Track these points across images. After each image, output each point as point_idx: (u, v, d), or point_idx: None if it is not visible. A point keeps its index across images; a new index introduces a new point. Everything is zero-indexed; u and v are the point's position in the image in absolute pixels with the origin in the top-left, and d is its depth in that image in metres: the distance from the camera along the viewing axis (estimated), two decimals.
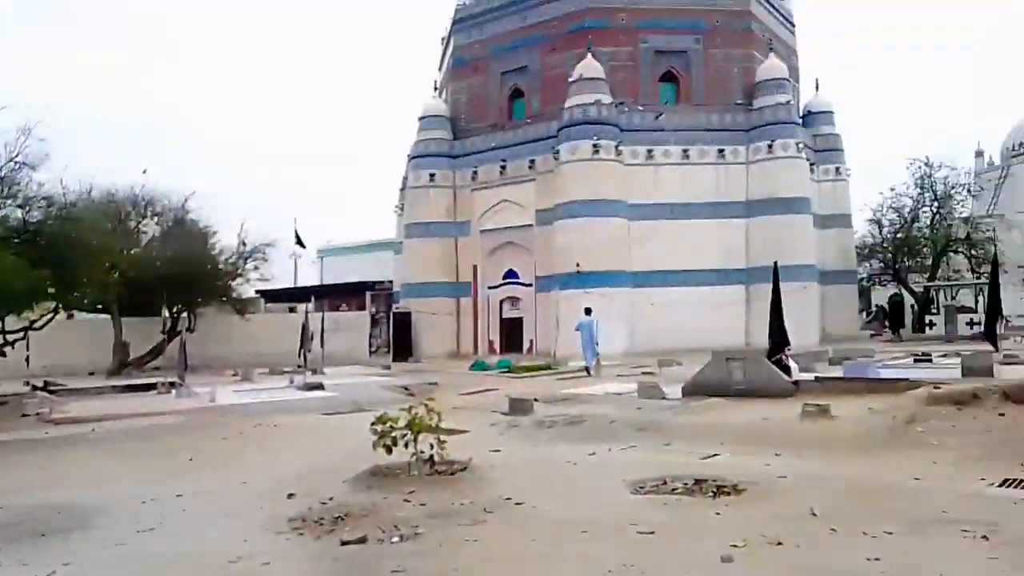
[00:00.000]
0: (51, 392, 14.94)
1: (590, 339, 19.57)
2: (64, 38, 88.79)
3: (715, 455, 7.65)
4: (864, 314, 38.42)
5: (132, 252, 23.40)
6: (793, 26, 34.82)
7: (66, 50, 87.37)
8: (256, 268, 25.44)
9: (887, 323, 33.98)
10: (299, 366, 19.17)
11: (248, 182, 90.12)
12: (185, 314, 23.60)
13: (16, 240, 15.27)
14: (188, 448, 9.29)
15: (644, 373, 17.67)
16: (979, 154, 46.34)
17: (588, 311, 20.54)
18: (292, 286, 42.58)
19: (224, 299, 24.43)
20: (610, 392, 13.82)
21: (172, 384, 15.69)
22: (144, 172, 24.75)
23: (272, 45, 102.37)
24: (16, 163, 15.69)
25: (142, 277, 22.09)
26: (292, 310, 32.21)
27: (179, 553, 5.01)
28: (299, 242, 41.15)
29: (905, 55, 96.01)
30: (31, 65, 78.33)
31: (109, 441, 10.03)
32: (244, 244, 25.07)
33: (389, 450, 6.56)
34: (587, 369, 19.13)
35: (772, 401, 10.60)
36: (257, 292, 32.24)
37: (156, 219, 24.91)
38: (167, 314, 22.90)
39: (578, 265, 26.19)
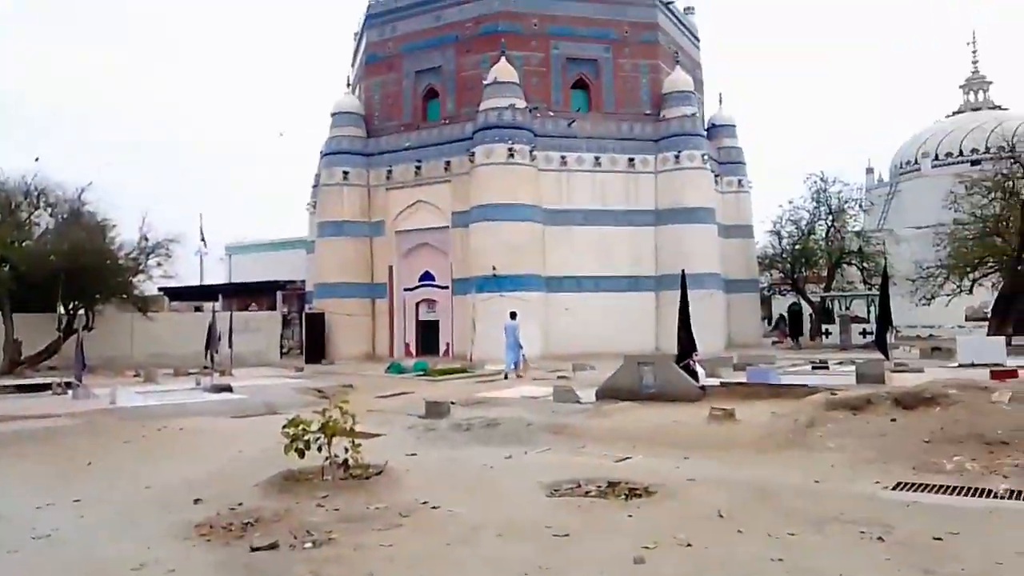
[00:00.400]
0: None
1: (514, 342, 20.15)
2: None
3: (627, 458, 7.88)
4: (766, 322, 40.15)
5: (23, 245, 22.03)
6: (698, 40, 36.23)
7: None
8: (159, 265, 24.21)
9: (788, 331, 35.63)
10: (206, 367, 18.49)
11: (152, 176, 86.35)
12: (82, 311, 22.31)
13: None
14: (87, 452, 8.90)
15: (559, 377, 17.95)
16: (869, 171, 49.19)
17: (513, 315, 21.23)
18: (198, 284, 41.05)
19: (124, 296, 23.19)
20: (526, 395, 13.96)
21: (68, 385, 14.87)
22: (36, 160, 23.37)
23: (183, 32, 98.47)
24: None
25: (35, 271, 20.80)
26: (198, 309, 30.99)
27: (77, 560, 4.82)
28: (203, 239, 39.80)
29: (802, 72, 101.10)
30: None
31: (2, 444, 9.45)
32: (146, 239, 23.86)
33: (302, 454, 6.47)
34: (506, 374, 19.46)
35: (681, 405, 10.97)
36: (160, 290, 30.82)
37: (50, 211, 23.44)
38: (63, 311, 21.62)
39: (494, 268, 26.36)
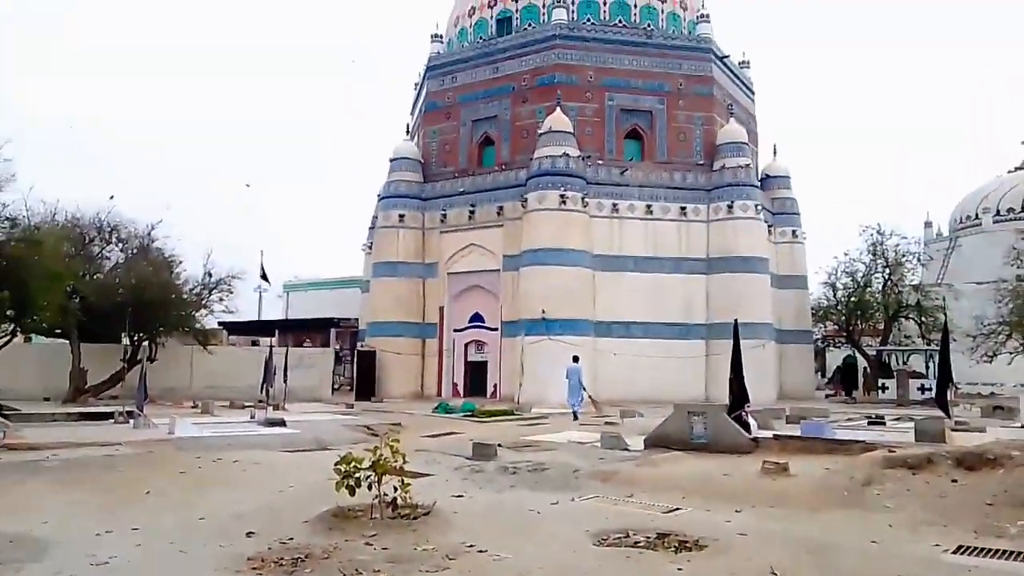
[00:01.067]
0: (5, 417, 14.50)
1: (577, 384, 20.84)
2: (33, 61, 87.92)
3: (677, 509, 7.80)
4: (819, 374, 39.20)
5: (94, 278, 23.03)
6: (753, 93, 36.32)
7: (33, 71, 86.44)
8: (221, 300, 25.13)
9: (841, 384, 34.66)
10: (260, 401, 18.90)
11: (217, 212, 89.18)
12: (146, 343, 23.13)
13: None
14: (145, 481, 9.14)
15: (607, 423, 17.81)
16: (928, 224, 48.14)
17: (576, 359, 21.99)
18: (256, 319, 42.08)
19: (187, 329, 24.02)
20: (573, 440, 13.90)
21: (130, 414, 15.33)
22: (111, 199, 24.55)
23: (250, 77, 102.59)
24: None
25: (103, 303, 21.72)
26: (255, 343, 31.81)
27: None
28: (264, 276, 40.90)
29: (859, 125, 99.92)
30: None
31: (65, 470, 9.81)
32: (210, 275, 24.82)
33: (352, 491, 6.55)
34: (574, 414, 20.07)
35: (732, 456, 10.79)
36: (220, 324, 31.76)
37: (121, 246, 24.57)
38: (127, 342, 22.44)
39: (543, 312, 26.46)
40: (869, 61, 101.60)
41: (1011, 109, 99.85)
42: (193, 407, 20.61)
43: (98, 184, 65.15)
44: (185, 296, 24.27)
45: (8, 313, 16.73)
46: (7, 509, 7.47)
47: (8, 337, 18.07)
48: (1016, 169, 46.35)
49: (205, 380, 25.16)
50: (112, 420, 15.80)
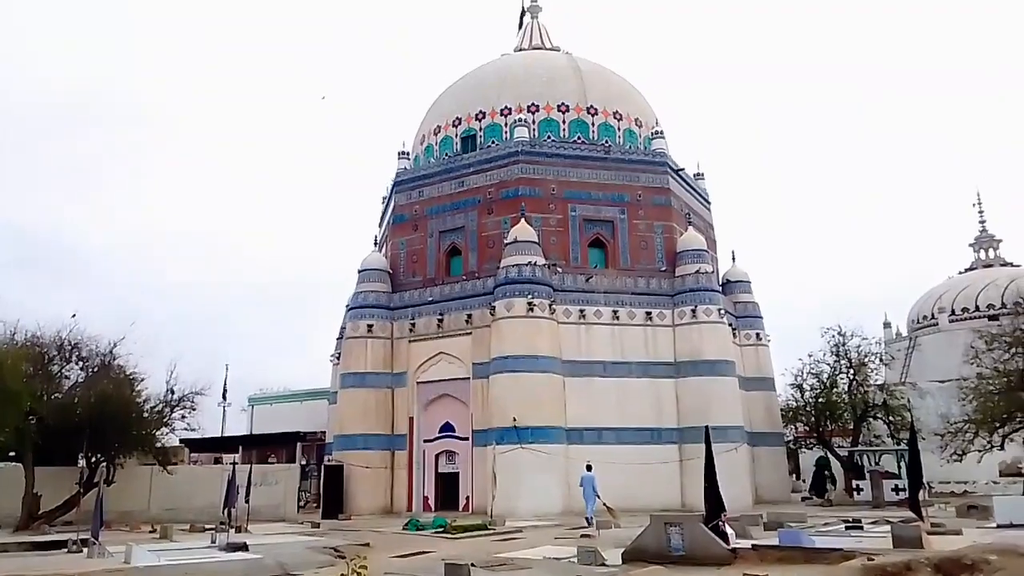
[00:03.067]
0: None
1: (591, 492, 21.23)
2: None
3: None
4: (794, 476, 38.95)
5: (53, 397, 22.36)
6: (709, 203, 37.92)
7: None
8: (183, 417, 24.36)
9: (825, 488, 34.11)
10: (222, 523, 18.13)
11: (181, 325, 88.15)
12: (103, 464, 22.25)
13: None
14: None
15: (583, 535, 17.41)
16: (887, 325, 49.47)
17: (589, 467, 22.28)
18: (219, 435, 40.97)
19: (147, 449, 23.21)
20: (549, 557, 13.53)
21: (84, 542, 14.61)
22: (73, 316, 24.11)
23: (214, 186, 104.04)
24: None
25: (61, 424, 21.02)
26: (218, 460, 30.80)
27: None
28: (224, 393, 40.22)
29: (814, 231, 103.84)
30: None
31: None
32: (172, 392, 24.16)
33: None
34: (588, 519, 20.56)
35: (711, 569, 10.61)
36: (182, 441, 30.75)
37: (81, 364, 23.87)
38: (84, 464, 21.58)
39: (514, 419, 26.25)
40: (819, 169, 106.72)
41: (958, 211, 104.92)
42: (151, 531, 19.75)
43: (62, 299, 64.32)
44: (146, 414, 23.55)
45: None
46: None
47: None
48: (967, 270, 48.34)
49: (164, 501, 24.15)
50: (65, 549, 15.05)
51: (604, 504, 20.89)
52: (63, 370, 23.52)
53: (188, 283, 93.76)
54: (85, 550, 14.23)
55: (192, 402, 24.38)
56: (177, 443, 29.73)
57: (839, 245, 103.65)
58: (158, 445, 24.04)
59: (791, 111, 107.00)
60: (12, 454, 21.66)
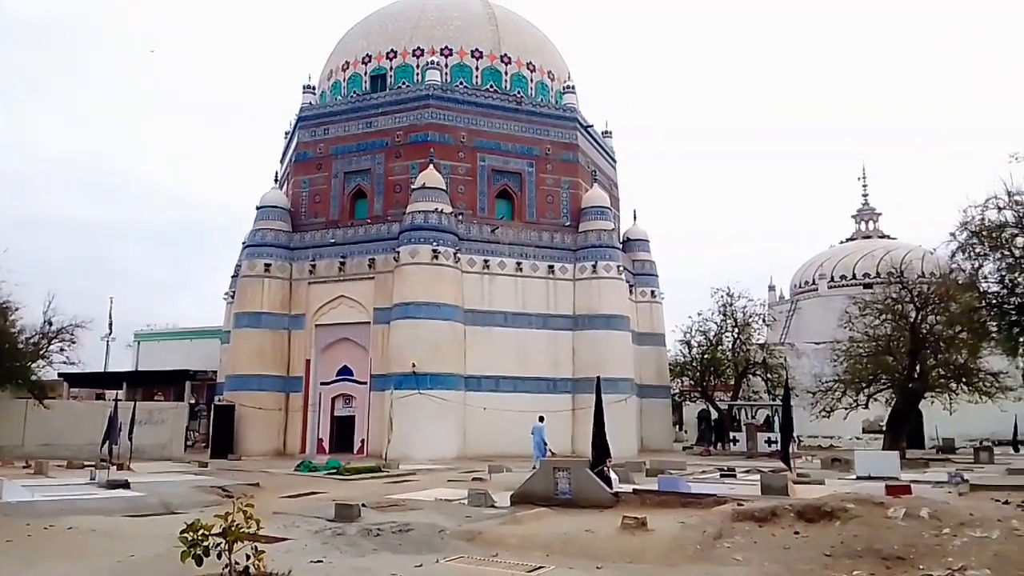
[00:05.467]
0: None
1: (540, 441, 21.24)
2: None
3: (540, 568, 7.91)
4: (677, 427, 40.94)
5: None
6: (615, 161, 38.55)
7: None
8: (62, 351, 23.14)
9: (712, 440, 35.81)
10: (103, 460, 17.47)
11: (67, 260, 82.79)
12: None
13: None
14: None
15: (475, 479, 17.79)
16: (771, 288, 52.27)
17: (541, 418, 22.41)
18: (102, 371, 39.07)
19: (20, 382, 21.92)
20: (440, 498, 13.78)
21: None
22: None
23: (110, 118, 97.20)
24: None
25: None
26: (100, 397, 29.45)
27: None
28: (110, 326, 38.29)
29: (711, 193, 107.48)
30: None
31: None
32: (50, 323, 22.86)
33: (200, 561, 6.09)
34: (534, 467, 20.48)
35: (595, 512, 11.08)
36: (60, 375, 29.16)
37: None
38: None
39: (414, 365, 26.32)
40: (719, 136, 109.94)
41: (843, 183, 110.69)
42: (26, 467, 18.91)
43: None
44: (20, 345, 22.19)
45: None
46: None
47: None
48: (847, 240, 51.24)
49: (41, 437, 23.03)
50: None
51: (551, 452, 21.10)
52: None
53: (70, 217, 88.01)
54: None
55: (72, 335, 23.25)
56: (56, 377, 28.21)
57: (733, 211, 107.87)
58: (33, 378, 22.76)
59: (695, 76, 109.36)
60: None
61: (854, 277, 46.01)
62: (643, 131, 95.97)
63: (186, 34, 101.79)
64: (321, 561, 8.16)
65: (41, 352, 22.78)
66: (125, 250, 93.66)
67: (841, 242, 51.35)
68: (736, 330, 37.03)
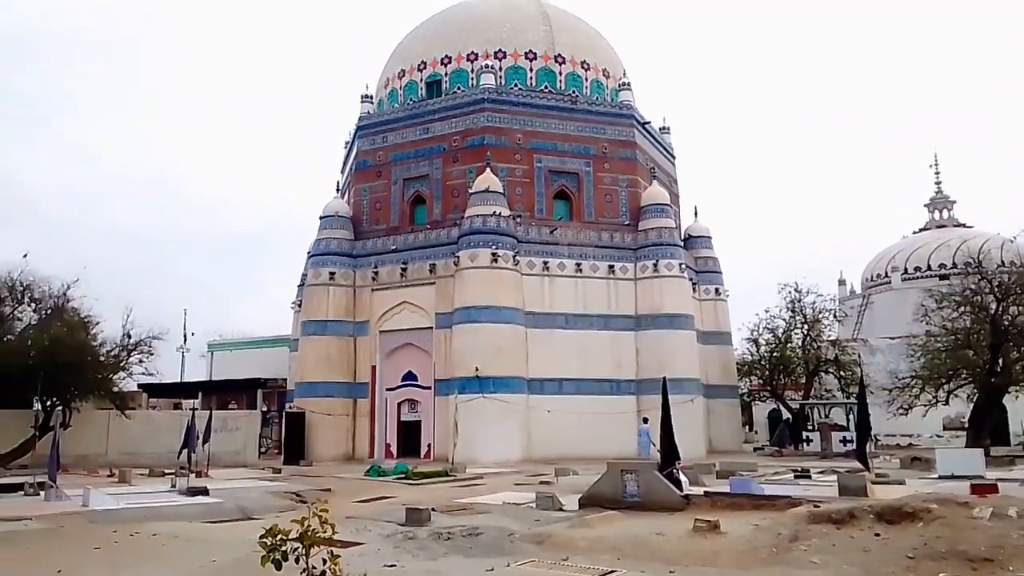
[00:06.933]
0: None
1: (647, 443, 21.39)
2: None
3: (612, 572, 7.81)
4: (747, 428, 40.05)
5: (5, 340, 21.82)
6: (673, 157, 37.99)
7: None
8: (140, 362, 24.05)
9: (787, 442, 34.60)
10: (182, 468, 18.10)
11: (139, 272, 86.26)
12: (59, 408, 21.92)
13: None
14: (56, 559, 8.67)
15: (541, 482, 17.76)
16: (842, 282, 50.77)
17: (645, 420, 22.56)
18: (179, 381, 40.54)
19: (103, 393, 22.90)
20: (508, 502, 13.79)
21: (41, 485, 14.49)
22: (24, 257, 23.44)
23: (173, 133, 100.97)
24: None
25: (13, 367, 20.57)
26: (177, 406, 30.56)
27: None
28: (185, 337, 39.71)
29: (776, 187, 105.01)
30: None
31: None
32: (129, 336, 23.80)
33: (278, 565, 6.19)
34: None
35: (664, 515, 10.92)
36: (140, 386, 30.36)
37: (34, 306, 23.38)
38: (39, 407, 21.23)
39: (477, 369, 26.47)
40: (784, 124, 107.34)
41: (915, 171, 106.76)
42: (110, 476, 19.63)
43: (10, 242, 62.22)
44: (102, 358, 23.16)
45: None
46: None
47: None
48: (921, 230, 49.42)
49: (122, 446, 24.00)
50: (22, 492, 14.89)
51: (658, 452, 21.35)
52: (15, 312, 23.00)
53: (143, 232, 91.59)
54: (42, 493, 14.14)
55: (149, 347, 24.09)
56: (135, 388, 29.36)
57: (799, 203, 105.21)
58: (115, 389, 23.75)
59: (757, 67, 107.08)
60: None
61: (929, 269, 44.39)
62: (703, 124, 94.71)
63: (248, 50, 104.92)
64: (394, 565, 8.24)
65: (121, 364, 23.74)
66: (193, 261, 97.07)
67: (914, 232, 49.61)
68: (806, 327, 36.04)
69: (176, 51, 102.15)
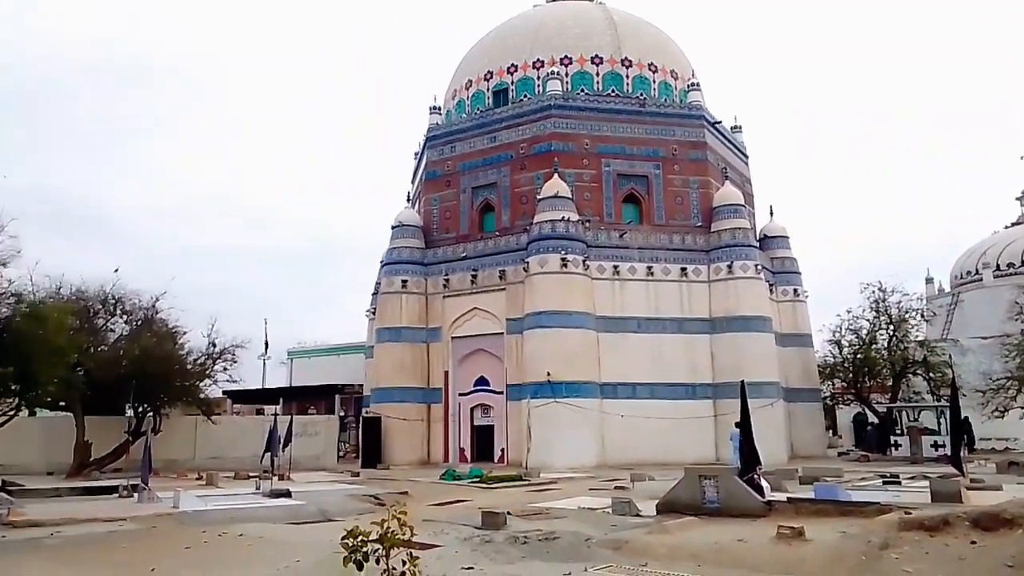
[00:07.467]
0: (8, 493, 14.33)
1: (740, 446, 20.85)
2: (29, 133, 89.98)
3: None
4: (831, 432, 38.65)
5: (99, 350, 23.01)
6: (746, 156, 37.11)
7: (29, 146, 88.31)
8: (225, 369, 25.07)
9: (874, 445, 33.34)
10: (265, 471, 18.68)
11: (220, 282, 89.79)
12: (150, 415, 23.00)
13: None
14: (150, 558, 9.02)
15: (617, 487, 17.56)
16: (929, 280, 48.52)
17: (737, 424, 21.85)
18: (260, 387, 41.94)
19: (190, 400, 23.94)
20: (583, 507, 13.68)
21: (134, 488, 15.18)
22: (116, 271, 24.70)
23: (248, 147, 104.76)
24: None
25: (107, 376, 21.69)
26: (260, 411, 31.62)
27: None
28: (266, 345, 41.00)
29: (856, 185, 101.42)
30: None
31: (69, 547, 9.68)
32: (214, 345, 24.82)
33: (360, 566, 6.29)
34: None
35: (745, 521, 10.61)
36: (224, 393, 31.57)
37: (125, 318, 24.64)
38: (131, 414, 22.32)
39: (549, 374, 26.41)
40: (862, 121, 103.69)
41: (1007, 165, 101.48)
42: (197, 479, 20.43)
43: (103, 257, 65.58)
44: (189, 367, 24.23)
45: (12, 388, 16.69)
46: None
47: (12, 412, 17.97)
48: (1013, 224, 46.93)
49: (209, 450, 25.00)
50: (116, 494, 15.64)
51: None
52: (107, 324, 24.22)
53: (221, 245, 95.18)
54: (135, 495, 14.79)
55: (233, 355, 25.05)
56: (220, 395, 30.51)
57: (881, 199, 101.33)
58: (201, 396, 24.77)
59: (832, 62, 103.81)
60: (62, 405, 22.43)
61: (1022, 264, 42.06)
62: (778, 122, 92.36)
63: (315, 66, 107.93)
64: (472, 568, 8.25)
65: (207, 372, 24.75)
66: (272, 273, 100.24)
67: (1006, 227, 47.14)
68: (891, 327, 34.57)
69: (254, 71, 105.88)
